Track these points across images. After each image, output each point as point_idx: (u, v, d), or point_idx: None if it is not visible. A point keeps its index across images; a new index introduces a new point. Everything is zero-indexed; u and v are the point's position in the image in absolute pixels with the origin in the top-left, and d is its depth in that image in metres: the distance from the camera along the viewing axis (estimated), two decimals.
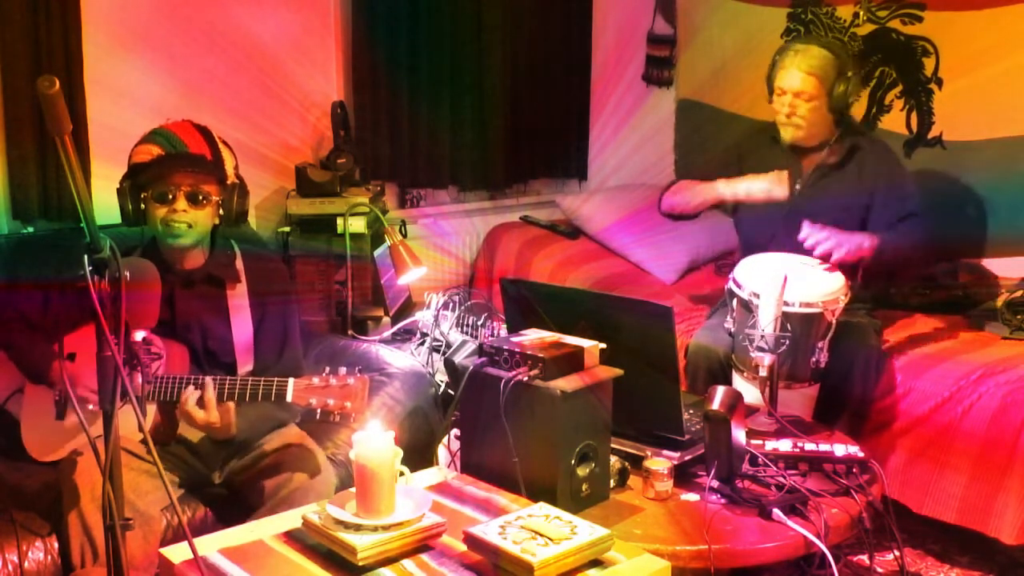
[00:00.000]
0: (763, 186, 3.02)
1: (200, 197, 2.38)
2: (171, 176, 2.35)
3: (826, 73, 3.04)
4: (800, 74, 3.03)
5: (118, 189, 2.41)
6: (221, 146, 2.44)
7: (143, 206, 2.38)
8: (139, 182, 2.38)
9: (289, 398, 2.24)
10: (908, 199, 3.13)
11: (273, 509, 2.23)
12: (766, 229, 3.10)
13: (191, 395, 2.26)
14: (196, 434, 2.45)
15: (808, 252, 2.86)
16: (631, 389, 2.10)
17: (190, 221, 2.37)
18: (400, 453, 1.75)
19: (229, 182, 2.44)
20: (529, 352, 2.01)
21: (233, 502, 2.43)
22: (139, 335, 2.14)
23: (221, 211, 2.43)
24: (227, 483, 2.47)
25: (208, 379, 2.28)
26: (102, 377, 1.54)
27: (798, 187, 3.13)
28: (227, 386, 2.28)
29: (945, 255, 3.71)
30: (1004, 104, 3.64)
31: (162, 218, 2.37)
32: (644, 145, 4.82)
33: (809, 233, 2.87)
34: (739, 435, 2.09)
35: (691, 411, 2.39)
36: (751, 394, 2.48)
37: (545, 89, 4.41)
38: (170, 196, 2.36)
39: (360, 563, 1.65)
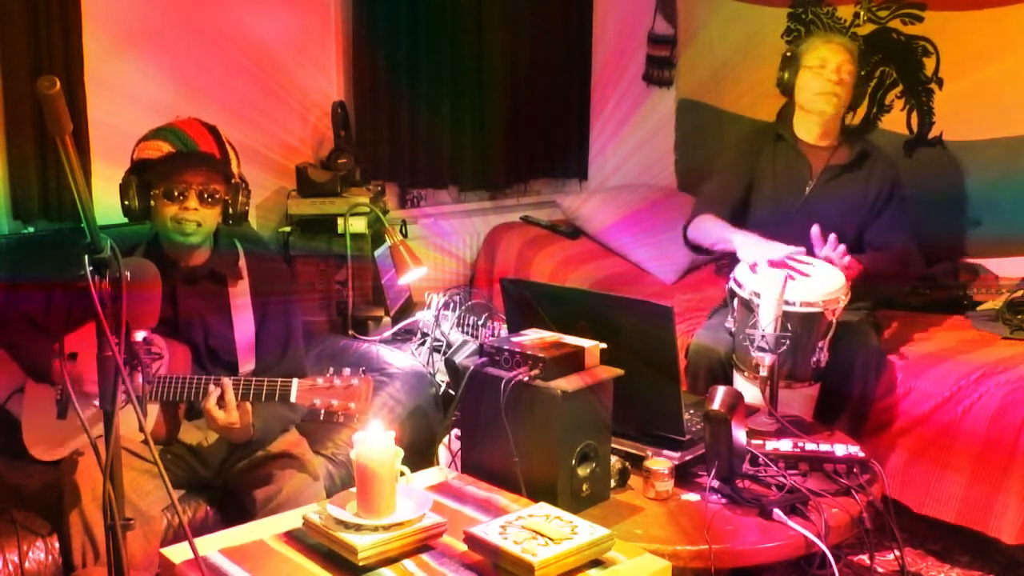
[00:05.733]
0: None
1: (210, 196, 2.37)
2: (183, 174, 2.35)
3: (855, 59, 3.11)
4: (840, 48, 3.10)
5: (121, 184, 2.39)
6: (227, 146, 2.44)
7: (152, 203, 2.37)
8: (148, 179, 2.37)
9: (293, 398, 2.23)
10: (905, 221, 3.15)
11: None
12: (774, 230, 3.09)
13: (213, 394, 2.25)
14: (196, 436, 2.45)
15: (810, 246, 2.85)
16: (631, 389, 2.10)
17: (200, 220, 2.37)
18: (400, 453, 1.75)
19: (234, 182, 2.44)
20: (529, 352, 2.01)
21: (233, 502, 2.43)
22: (140, 335, 2.13)
23: (229, 210, 2.43)
24: (225, 484, 2.47)
25: (227, 380, 2.26)
26: (103, 377, 1.54)
27: (808, 188, 3.13)
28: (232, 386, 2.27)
29: (945, 255, 3.71)
30: (1004, 104, 3.63)
31: (172, 216, 2.36)
32: (644, 145, 4.82)
33: (821, 242, 2.83)
34: (739, 435, 2.09)
35: (691, 411, 2.39)
36: (751, 394, 2.49)
37: (545, 89, 4.41)
38: (181, 194, 2.35)
39: (360, 563, 1.65)
